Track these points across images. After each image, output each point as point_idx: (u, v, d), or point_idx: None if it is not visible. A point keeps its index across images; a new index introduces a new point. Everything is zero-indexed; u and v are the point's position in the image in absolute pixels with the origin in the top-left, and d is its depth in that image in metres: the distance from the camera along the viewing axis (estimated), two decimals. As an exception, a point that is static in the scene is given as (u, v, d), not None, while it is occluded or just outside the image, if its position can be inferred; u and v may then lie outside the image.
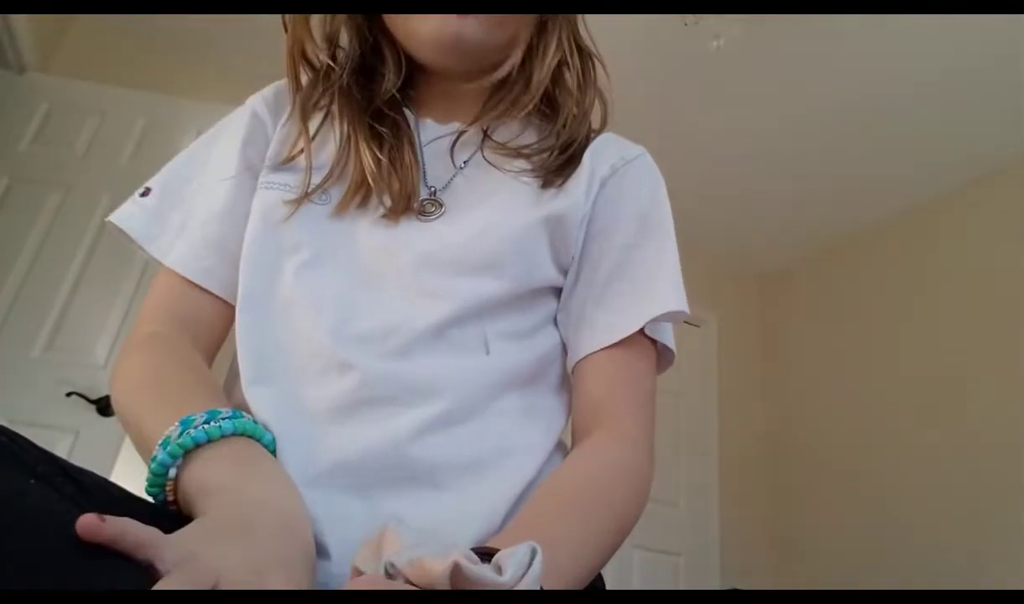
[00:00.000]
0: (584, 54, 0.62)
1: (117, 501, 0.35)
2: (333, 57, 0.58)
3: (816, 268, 3.50)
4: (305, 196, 0.54)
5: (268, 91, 0.62)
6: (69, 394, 1.87)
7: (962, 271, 2.76)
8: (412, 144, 0.57)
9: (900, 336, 2.94)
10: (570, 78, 0.61)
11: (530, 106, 0.58)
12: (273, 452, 0.44)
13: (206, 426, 0.39)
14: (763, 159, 2.91)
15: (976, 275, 2.70)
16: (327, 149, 0.57)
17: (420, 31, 0.54)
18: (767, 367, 3.64)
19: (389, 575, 0.29)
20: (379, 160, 0.54)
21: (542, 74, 0.58)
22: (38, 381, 1.88)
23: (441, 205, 0.55)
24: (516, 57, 0.57)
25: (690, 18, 2.14)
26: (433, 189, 0.57)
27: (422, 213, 0.55)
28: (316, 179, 0.55)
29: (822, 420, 3.21)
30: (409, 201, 0.54)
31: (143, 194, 0.56)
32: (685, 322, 3.16)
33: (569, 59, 0.60)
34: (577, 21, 0.63)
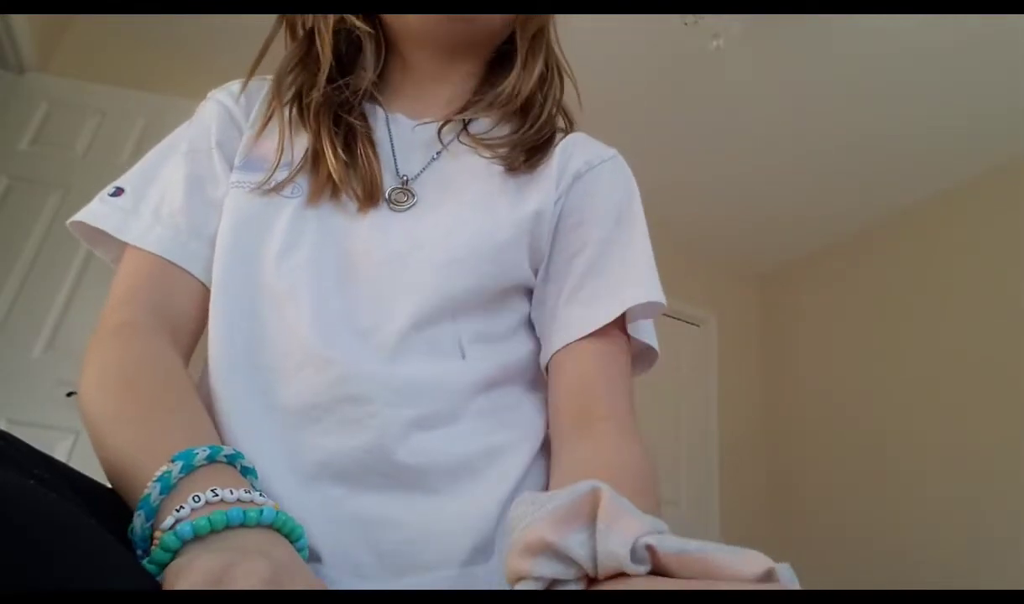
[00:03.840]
0: (554, 64, 0.64)
1: (113, 504, 0.35)
2: (314, 34, 0.58)
3: (816, 268, 3.50)
4: (274, 171, 0.54)
5: (234, 87, 0.61)
6: (69, 394, 1.87)
7: (961, 270, 2.76)
8: (372, 140, 0.57)
9: (900, 335, 2.94)
10: (544, 85, 0.62)
11: (515, 106, 0.59)
12: (306, 556, 0.36)
13: (240, 501, 0.32)
14: (763, 159, 2.91)
15: (976, 274, 2.70)
16: (299, 143, 0.56)
17: None
18: (767, 367, 3.65)
19: (635, 559, 0.26)
20: (342, 156, 0.54)
21: (530, 83, 0.60)
22: (38, 381, 1.88)
23: (413, 194, 0.55)
24: (501, 37, 0.59)
25: (690, 18, 2.14)
26: (405, 178, 0.56)
27: (394, 202, 0.54)
28: (285, 172, 0.54)
29: (822, 420, 3.22)
30: (375, 195, 0.54)
31: (114, 194, 0.54)
32: (685, 322, 3.17)
33: (547, 70, 0.62)
34: (551, 32, 0.65)
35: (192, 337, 0.52)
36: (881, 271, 3.12)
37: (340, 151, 0.54)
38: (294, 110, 0.57)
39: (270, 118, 0.56)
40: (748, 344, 3.71)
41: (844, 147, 2.76)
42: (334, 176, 0.53)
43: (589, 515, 0.28)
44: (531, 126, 0.59)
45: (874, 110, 2.54)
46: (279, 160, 0.55)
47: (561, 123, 0.64)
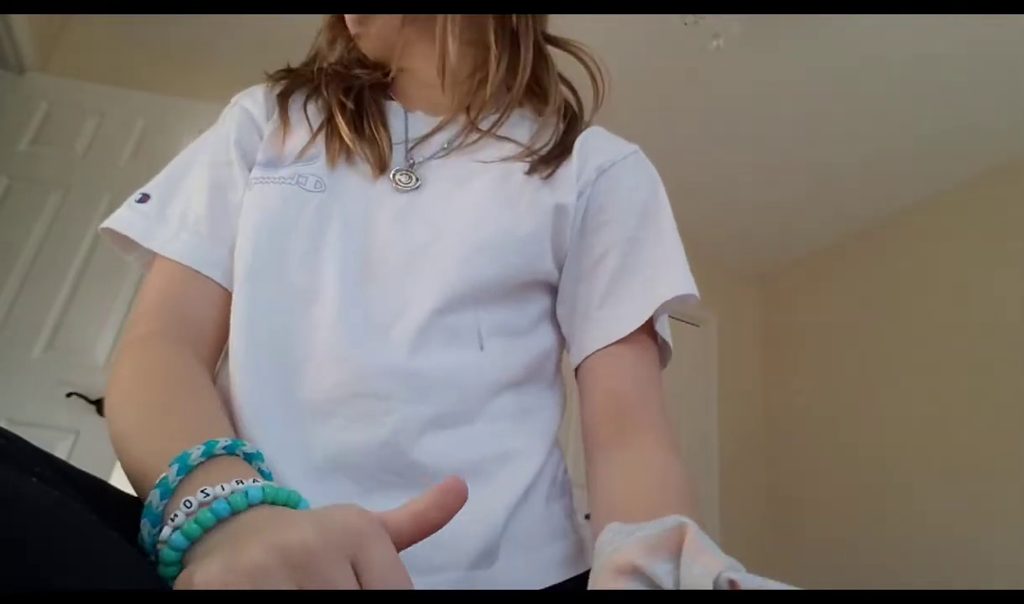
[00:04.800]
0: (544, 53, 0.65)
1: (115, 502, 0.35)
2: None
3: (816, 268, 3.50)
4: (304, 153, 0.56)
5: (257, 91, 0.63)
6: (69, 394, 1.87)
7: (961, 270, 2.76)
8: (381, 108, 0.60)
9: (900, 335, 2.94)
10: (547, 73, 0.64)
11: (515, 102, 0.61)
12: None
13: (233, 492, 0.32)
14: (763, 159, 2.91)
15: (976, 274, 2.70)
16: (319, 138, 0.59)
17: None
18: (767, 367, 3.64)
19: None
20: (351, 114, 0.57)
21: (524, 75, 0.61)
22: (38, 381, 1.88)
23: (417, 177, 0.56)
24: (451, 55, 0.60)
25: (690, 18, 2.14)
26: (412, 161, 0.57)
27: (397, 183, 0.56)
28: (305, 155, 0.57)
29: (822, 419, 3.21)
30: (383, 159, 0.55)
31: (140, 201, 0.55)
32: (685, 322, 3.16)
33: (542, 56, 0.64)
34: (545, 19, 0.66)
35: (217, 343, 0.52)
36: (881, 271, 3.12)
37: (350, 115, 0.57)
38: (313, 102, 0.60)
39: (286, 120, 0.58)
40: (748, 344, 3.71)
41: (844, 147, 2.76)
42: (346, 139, 0.55)
43: (675, 547, 0.29)
44: (553, 117, 0.61)
45: (874, 110, 2.54)
46: (309, 126, 0.58)
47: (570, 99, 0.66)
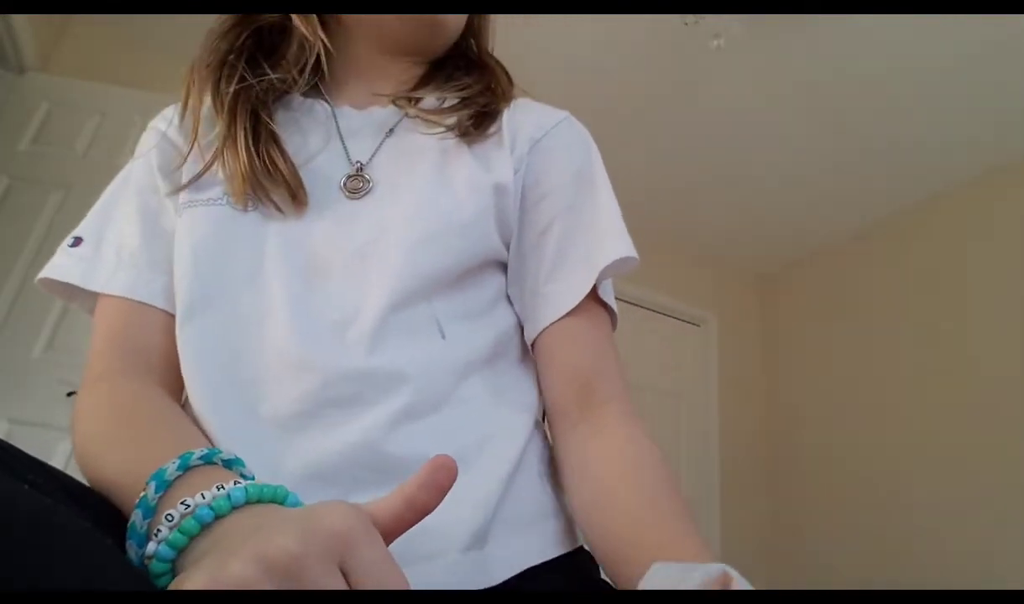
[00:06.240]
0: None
1: (107, 509, 0.35)
2: (230, 51, 0.60)
3: (816, 268, 3.50)
4: (197, 177, 0.53)
5: (169, 112, 0.61)
6: (69, 394, 1.87)
7: (960, 269, 2.75)
8: (278, 141, 0.55)
9: (899, 335, 2.94)
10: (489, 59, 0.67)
11: (470, 87, 0.62)
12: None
13: (208, 498, 0.31)
14: (763, 159, 2.90)
15: (976, 274, 2.69)
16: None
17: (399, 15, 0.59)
18: (767, 367, 3.64)
19: None
20: (254, 160, 0.52)
21: (480, 60, 0.66)
22: (38, 381, 1.88)
23: (368, 180, 0.55)
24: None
25: (690, 18, 2.14)
26: (359, 164, 0.56)
27: (350, 190, 0.54)
28: (219, 178, 0.54)
29: (822, 419, 3.21)
30: (299, 197, 0.52)
31: (73, 245, 0.54)
32: (685, 322, 3.15)
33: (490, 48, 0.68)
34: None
35: (173, 369, 0.51)
36: (880, 271, 3.12)
37: (252, 150, 0.53)
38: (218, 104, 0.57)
39: (196, 137, 0.56)
40: (748, 344, 3.71)
41: (844, 147, 2.76)
42: (247, 182, 0.52)
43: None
44: (479, 90, 0.61)
45: (874, 110, 2.54)
46: (194, 143, 0.55)
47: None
